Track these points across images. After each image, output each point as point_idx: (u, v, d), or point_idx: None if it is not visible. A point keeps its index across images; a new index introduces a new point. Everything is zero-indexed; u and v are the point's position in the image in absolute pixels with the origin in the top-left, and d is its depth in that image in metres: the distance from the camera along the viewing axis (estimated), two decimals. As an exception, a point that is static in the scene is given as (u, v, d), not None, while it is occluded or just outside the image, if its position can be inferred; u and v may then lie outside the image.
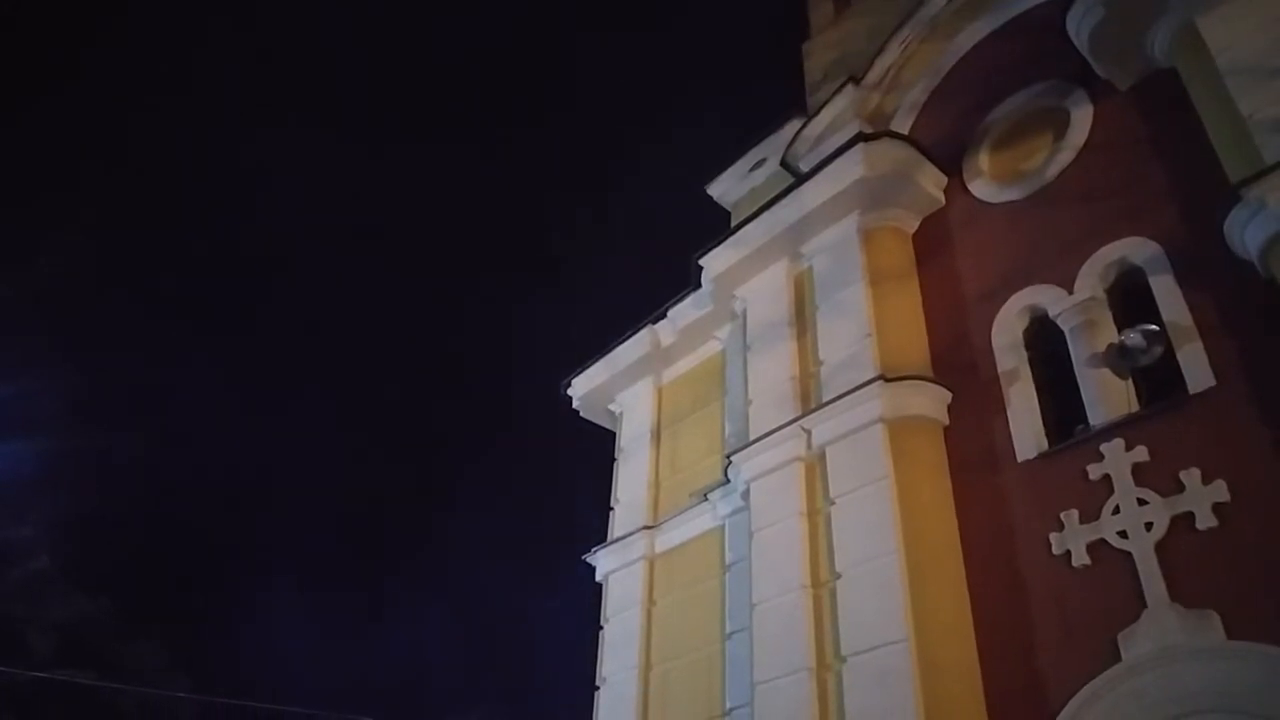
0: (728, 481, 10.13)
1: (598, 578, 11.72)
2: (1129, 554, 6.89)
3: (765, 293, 10.86)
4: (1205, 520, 6.59)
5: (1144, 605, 6.66)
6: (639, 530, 11.34)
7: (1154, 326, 7.44)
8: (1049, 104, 9.59)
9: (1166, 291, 7.60)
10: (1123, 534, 6.99)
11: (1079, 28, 8.65)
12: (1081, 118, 9.14)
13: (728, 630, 9.54)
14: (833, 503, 8.60)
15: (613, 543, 11.67)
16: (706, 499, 10.60)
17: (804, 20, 14.23)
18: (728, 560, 10.04)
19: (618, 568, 11.42)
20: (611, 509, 12.26)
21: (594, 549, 11.87)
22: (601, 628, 11.23)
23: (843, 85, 11.61)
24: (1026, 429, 8.14)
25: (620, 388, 13.21)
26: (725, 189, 13.64)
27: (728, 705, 9.10)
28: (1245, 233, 6.81)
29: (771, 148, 12.61)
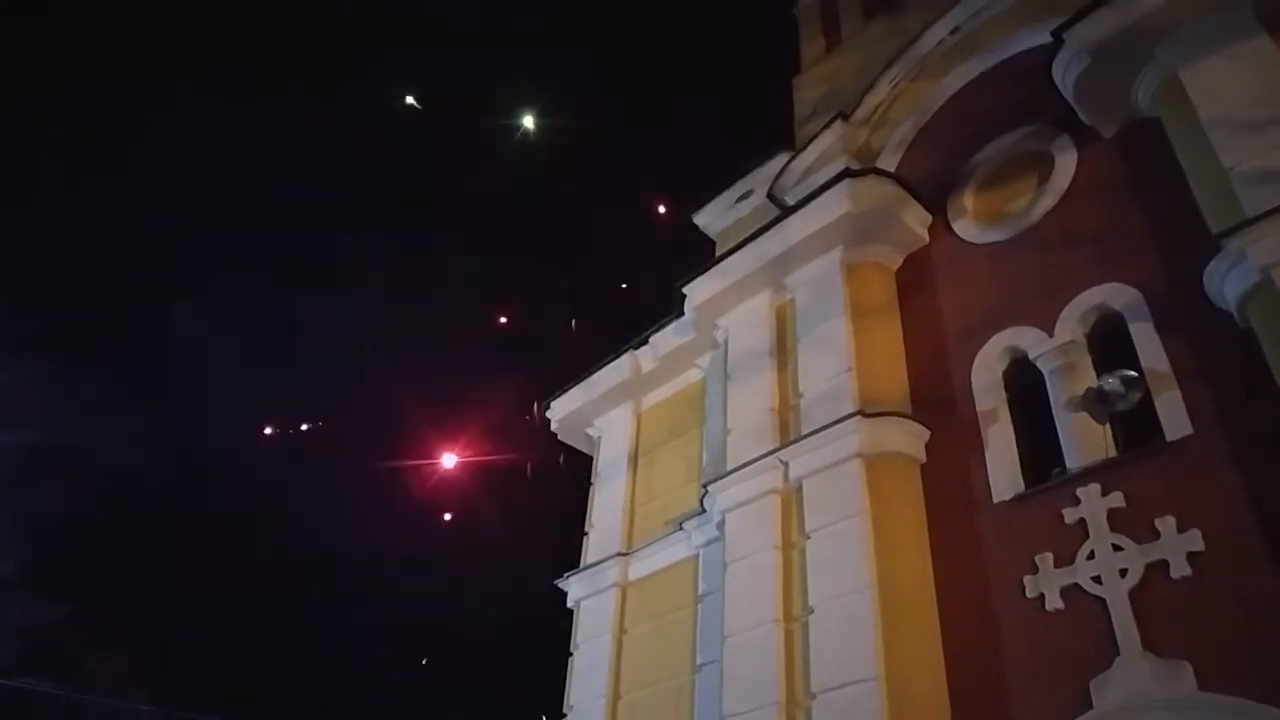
0: (703, 511, 10.03)
1: (569, 604, 11.54)
2: (1103, 600, 6.85)
3: (747, 323, 10.85)
4: (1180, 569, 6.57)
5: (1117, 653, 6.61)
6: (612, 557, 11.20)
7: (1132, 372, 7.47)
8: (1034, 147, 9.70)
9: (1145, 338, 7.64)
10: (1097, 579, 6.96)
11: (1064, 75, 8.78)
12: (1066, 162, 9.24)
13: (698, 662, 9.40)
14: (808, 537, 8.52)
15: (585, 569, 11.51)
16: (682, 528, 10.48)
17: (795, 54, 14.40)
18: (701, 591, 9.92)
19: (589, 594, 11.25)
20: (585, 534, 12.11)
21: (566, 574, 11.70)
22: (570, 655, 11.04)
23: (831, 120, 11.71)
24: (1003, 470, 8.12)
25: (599, 412, 13.12)
26: (711, 218, 13.68)
27: (695, 739, 8.93)
28: (1224, 283, 6.88)
29: (758, 180, 12.68)
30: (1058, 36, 8.65)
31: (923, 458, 8.75)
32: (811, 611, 8.05)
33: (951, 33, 11.23)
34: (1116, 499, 7.13)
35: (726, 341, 11.11)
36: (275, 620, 32.14)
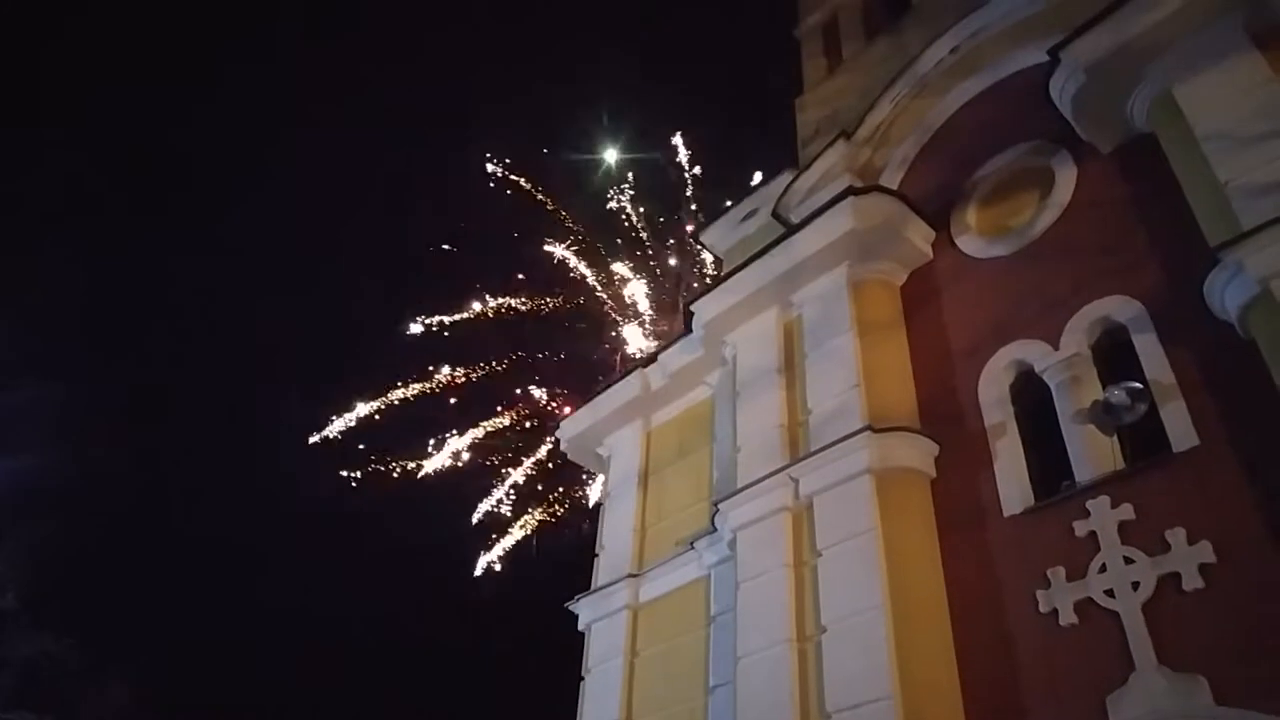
0: (714, 530, 10.03)
1: (580, 627, 11.52)
2: (1116, 614, 6.84)
3: (755, 340, 10.91)
4: (1192, 581, 6.56)
5: (1132, 667, 6.58)
6: (623, 578, 11.18)
7: (1137, 384, 7.50)
8: (1034, 163, 9.79)
9: (1149, 350, 7.68)
10: (1110, 593, 6.94)
11: (1062, 92, 8.89)
12: (1066, 178, 9.33)
13: (711, 684, 9.36)
14: (819, 554, 8.51)
15: (596, 591, 11.49)
16: (693, 547, 10.48)
17: (797, 76, 14.58)
18: (713, 611, 9.90)
19: (600, 617, 11.22)
20: (596, 555, 12.11)
21: (577, 597, 11.69)
22: (582, 678, 11.01)
23: (834, 140, 11.84)
24: (1013, 483, 8.13)
25: (609, 430, 13.16)
26: (718, 237, 13.80)
27: (710, 762, 8.89)
28: (1224, 294, 6.94)
29: (763, 198, 12.80)
30: (1054, 55, 8.77)
31: (932, 472, 8.76)
32: (825, 630, 8.03)
33: (951, 52, 11.38)
34: (1126, 511, 7.13)
35: (735, 359, 11.16)
36: (279, 655, 32.00)
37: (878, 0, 14.40)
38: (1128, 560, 6.95)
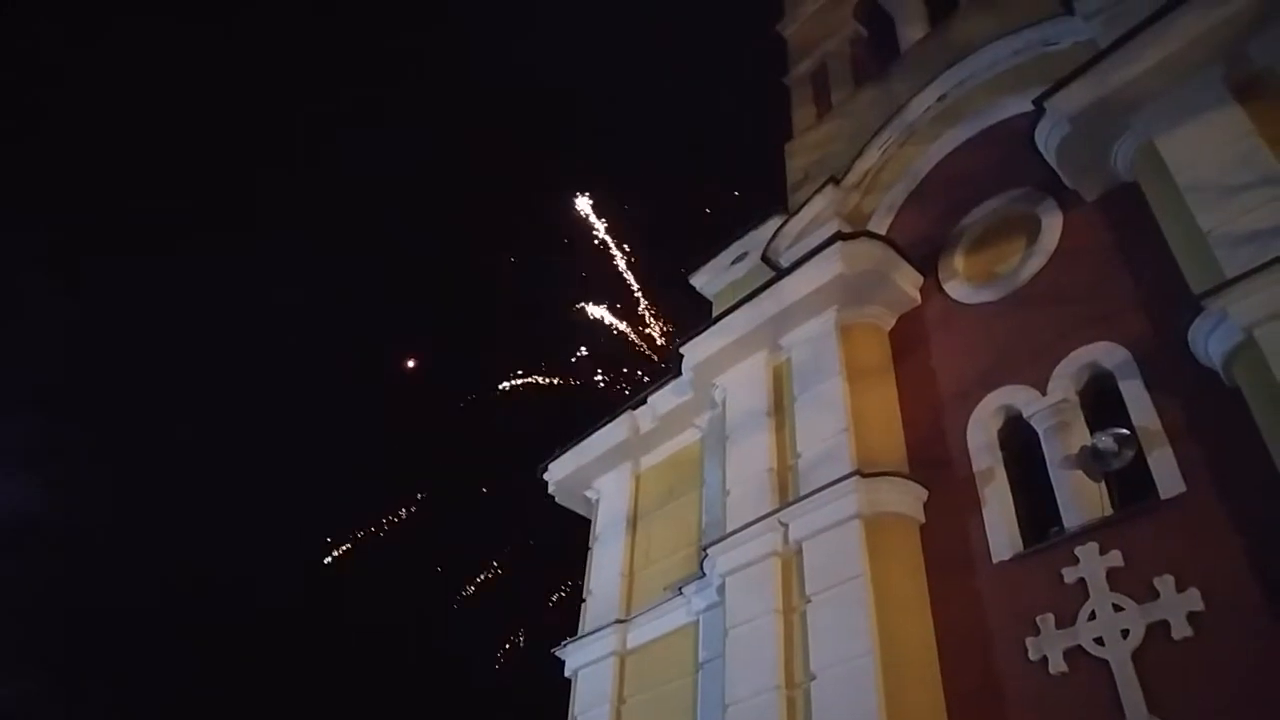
0: (703, 575, 9.92)
1: (566, 673, 11.31)
2: (1106, 662, 6.75)
3: (744, 382, 10.91)
4: (1181, 629, 6.49)
5: (1123, 717, 6.48)
6: (611, 624, 11.01)
7: (1125, 430, 7.50)
8: (1021, 210, 9.91)
9: (1136, 396, 7.70)
10: (1099, 641, 6.86)
11: (1047, 141, 9.05)
12: (1052, 225, 9.44)
13: (699, 732, 9.18)
14: (809, 600, 8.41)
15: (583, 637, 11.30)
16: (681, 593, 10.34)
17: (787, 122, 14.84)
18: (701, 658, 9.74)
19: (587, 663, 11.02)
20: (583, 600, 11.94)
21: (564, 643, 11.49)
22: (569, 726, 10.78)
23: (823, 185, 11.99)
24: (1002, 529, 8.08)
25: (597, 473, 13.07)
26: (707, 280, 13.88)
27: (696, 814, 8.67)
28: (1208, 342, 6.98)
29: (753, 242, 12.90)
30: (1039, 105, 8.94)
31: (921, 518, 8.71)
32: (814, 677, 7.91)
33: (938, 100, 11.61)
34: (1115, 558, 7.08)
35: (724, 401, 11.16)
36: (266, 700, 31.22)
37: (866, 49, 14.75)
38: (1117, 608, 6.88)
